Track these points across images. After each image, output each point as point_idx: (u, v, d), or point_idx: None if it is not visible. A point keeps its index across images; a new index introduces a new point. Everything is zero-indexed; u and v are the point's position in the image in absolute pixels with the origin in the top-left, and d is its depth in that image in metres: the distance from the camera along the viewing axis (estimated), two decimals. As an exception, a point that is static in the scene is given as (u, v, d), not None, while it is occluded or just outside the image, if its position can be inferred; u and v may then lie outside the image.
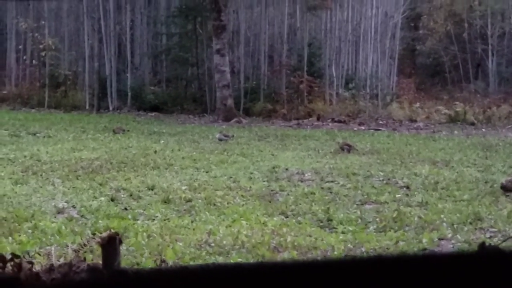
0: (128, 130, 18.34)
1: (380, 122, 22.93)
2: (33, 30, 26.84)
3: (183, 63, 26.86)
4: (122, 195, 9.64)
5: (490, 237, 7.64)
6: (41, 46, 26.30)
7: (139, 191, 9.93)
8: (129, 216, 8.35)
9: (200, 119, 23.28)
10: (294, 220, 8.31)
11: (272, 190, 10.28)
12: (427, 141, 17.53)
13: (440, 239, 7.57)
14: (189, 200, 9.31)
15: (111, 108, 25.32)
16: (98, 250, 6.43)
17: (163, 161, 12.83)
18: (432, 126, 22.19)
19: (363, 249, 7.09)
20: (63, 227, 7.60)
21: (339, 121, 22.55)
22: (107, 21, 26.07)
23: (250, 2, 27.84)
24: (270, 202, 9.38)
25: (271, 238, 7.29)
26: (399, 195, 9.95)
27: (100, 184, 10.32)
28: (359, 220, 8.30)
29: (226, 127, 20.15)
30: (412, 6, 32.31)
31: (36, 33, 26.75)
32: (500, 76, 30.32)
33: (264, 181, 10.96)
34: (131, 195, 9.64)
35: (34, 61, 27.83)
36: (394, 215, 8.48)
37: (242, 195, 9.75)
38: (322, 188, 10.48)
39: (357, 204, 9.33)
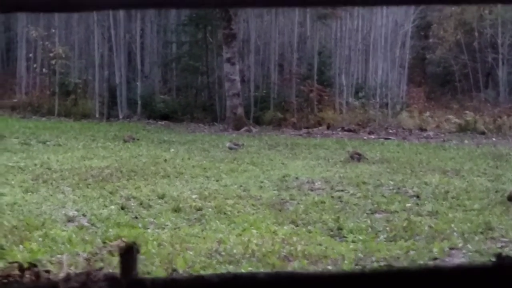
0: (138, 139, 18.33)
1: (390, 131, 22.92)
2: (44, 38, 26.87)
3: (193, 71, 26.86)
4: (132, 204, 9.64)
5: (501, 246, 7.62)
6: (51, 55, 26.30)
7: (149, 199, 9.93)
8: (140, 225, 8.35)
9: (210, 128, 23.30)
10: (304, 229, 8.29)
11: (282, 199, 10.27)
12: (437, 150, 17.51)
13: (451, 248, 7.54)
14: (200, 209, 9.31)
15: (121, 117, 25.31)
16: (109, 259, 6.48)
17: (173, 170, 12.83)
18: (442, 135, 22.17)
19: (374, 258, 7.07)
20: (74, 236, 7.60)
21: (349, 130, 22.54)
22: (117, 29, 26.14)
23: (260, 11, 27.79)
24: (280, 211, 9.37)
25: (281, 247, 7.29)
26: (409, 204, 9.93)
27: (110, 193, 10.33)
28: (369, 229, 8.28)
29: (236, 136, 20.19)
30: (422, 15, 32.28)
31: (46, 41, 26.76)
32: (510, 85, 30.23)
33: (274, 190, 10.96)
34: (141, 204, 9.63)
35: (44, 70, 27.82)
36: (404, 224, 8.46)
37: (252, 204, 9.74)
38: (332, 197, 10.47)
39: (367, 213, 9.32)
